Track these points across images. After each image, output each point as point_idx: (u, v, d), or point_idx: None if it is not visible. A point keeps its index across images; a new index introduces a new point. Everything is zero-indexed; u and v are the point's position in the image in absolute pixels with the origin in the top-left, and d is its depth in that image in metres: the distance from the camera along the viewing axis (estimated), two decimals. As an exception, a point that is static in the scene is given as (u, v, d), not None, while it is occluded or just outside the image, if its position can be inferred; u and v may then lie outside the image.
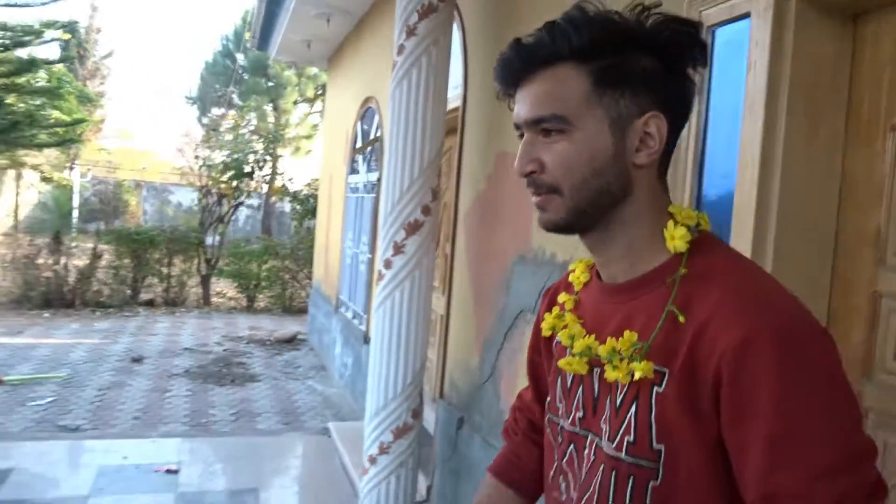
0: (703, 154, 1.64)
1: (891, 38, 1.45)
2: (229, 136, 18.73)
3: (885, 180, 1.42)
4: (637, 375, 0.78)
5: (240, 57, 20.25)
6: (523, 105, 0.85)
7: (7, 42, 10.30)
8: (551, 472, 0.95)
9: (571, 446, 0.91)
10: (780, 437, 0.70)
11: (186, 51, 52.23)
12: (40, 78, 12.64)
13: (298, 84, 19.63)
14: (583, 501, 0.86)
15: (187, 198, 17.90)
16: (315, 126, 20.02)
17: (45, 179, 18.09)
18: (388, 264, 2.97)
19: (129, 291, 10.07)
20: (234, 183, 11.49)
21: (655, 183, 0.86)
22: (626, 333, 0.81)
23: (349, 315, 5.82)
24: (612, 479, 0.82)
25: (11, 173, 19.25)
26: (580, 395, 0.90)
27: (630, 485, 0.80)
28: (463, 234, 3.28)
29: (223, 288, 11.40)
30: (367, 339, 5.03)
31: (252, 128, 19.28)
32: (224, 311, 10.35)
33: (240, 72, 20.23)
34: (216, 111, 21.22)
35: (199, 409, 5.21)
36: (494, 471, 1.11)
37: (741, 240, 1.48)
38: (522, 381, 1.34)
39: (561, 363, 0.90)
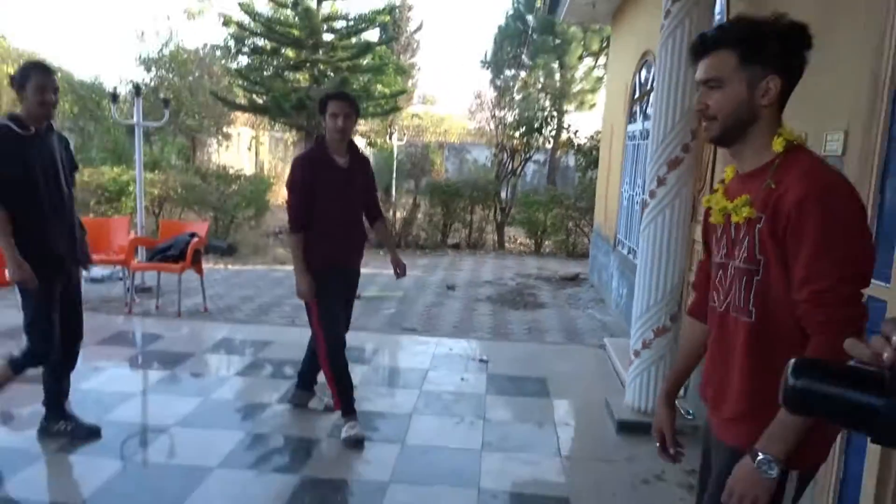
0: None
1: None
2: (520, 96, 20.09)
3: None
4: (744, 214, 1.46)
5: (529, 18, 21.35)
6: (700, 71, 1.50)
7: (349, 30, 12.70)
8: (711, 292, 1.63)
9: (720, 271, 1.58)
10: (816, 252, 1.34)
11: (482, 16, 55.59)
12: (367, 58, 15.02)
13: (584, 39, 20.07)
14: (728, 297, 1.54)
15: (482, 155, 19.76)
16: (599, 79, 20.34)
17: (370, 145, 21.45)
18: (652, 194, 3.63)
19: (440, 236, 11.94)
20: (525, 139, 12.68)
21: (775, 115, 1.47)
22: (742, 195, 1.48)
23: (625, 251, 6.50)
24: (739, 279, 1.49)
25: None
26: (724, 240, 1.55)
27: (745, 279, 1.48)
28: (720, 170, 3.77)
29: (515, 234, 12.78)
30: (640, 271, 5.67)
31: (540, 86, 20.39)
32: (515, 254, 11.70)
33: (529, 32, 21.35)
34: (508, 72, 22.76)
35: (499, 324, 6.42)
36: (689, 311, 1.82)
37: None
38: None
39: (711, 218, 1.60)
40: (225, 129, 16.40)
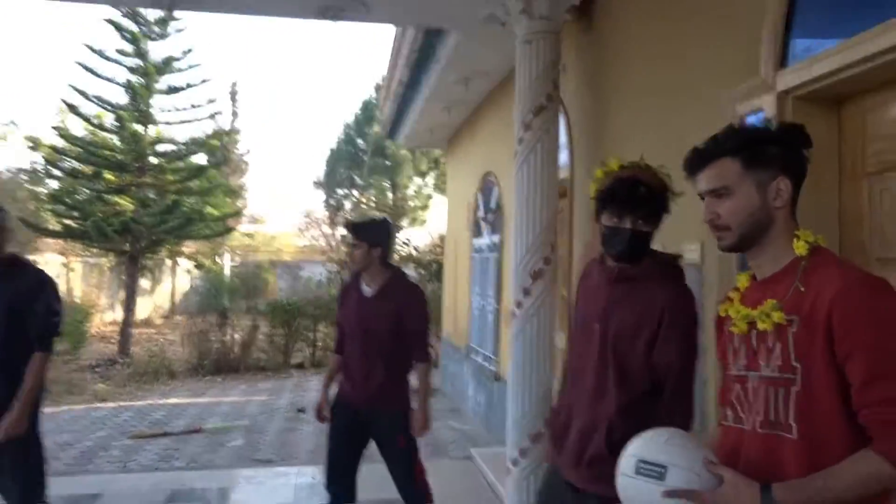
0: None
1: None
2: (352, 216, 20.42)
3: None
4: (774, 319, 1.33)
5: (360, 142, 22.24)
6: (702, 183, 1.44)
7: (180, 153, 12.36)
8: (726, 409, 1.48)
9: (738, 385, 1.43)
10: (875, 353, 1.23)
11: (311, 139, 56.86)
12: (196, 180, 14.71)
13: (413, 159, 21.23)
14: (755, 417, 1.37)
15: (315, 272, 19.63)
16: (429, 197, 21.43)
17: (198, 266, 20.44)
18: (518, 304, 3.79)
19: (282, 357, 11.43)
20: (365, 255, 12.83)
21: (789, 216, 1.42)
22: (768, 300, 1.36)
23: (479, 359, 6.63)
24: (771, 392, 1.34)
25: (168, 263, 21.93)
26: (743, 350, 1.43)
27: (782, 393, 1.32)
28: (576, 278, 4.05)
29: (361, 350, 12.58)
30: (497, 378, 5.81)
31: (374, 204, 20.99)
32: (363, 371, 11.46)
33: (360, 155, 22.16)
34: (341, 192, 23.24)
35: (360, 446, 6.14)
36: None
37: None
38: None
39: (731, 327, 1.45)
40: (31, 257, 14.80)
